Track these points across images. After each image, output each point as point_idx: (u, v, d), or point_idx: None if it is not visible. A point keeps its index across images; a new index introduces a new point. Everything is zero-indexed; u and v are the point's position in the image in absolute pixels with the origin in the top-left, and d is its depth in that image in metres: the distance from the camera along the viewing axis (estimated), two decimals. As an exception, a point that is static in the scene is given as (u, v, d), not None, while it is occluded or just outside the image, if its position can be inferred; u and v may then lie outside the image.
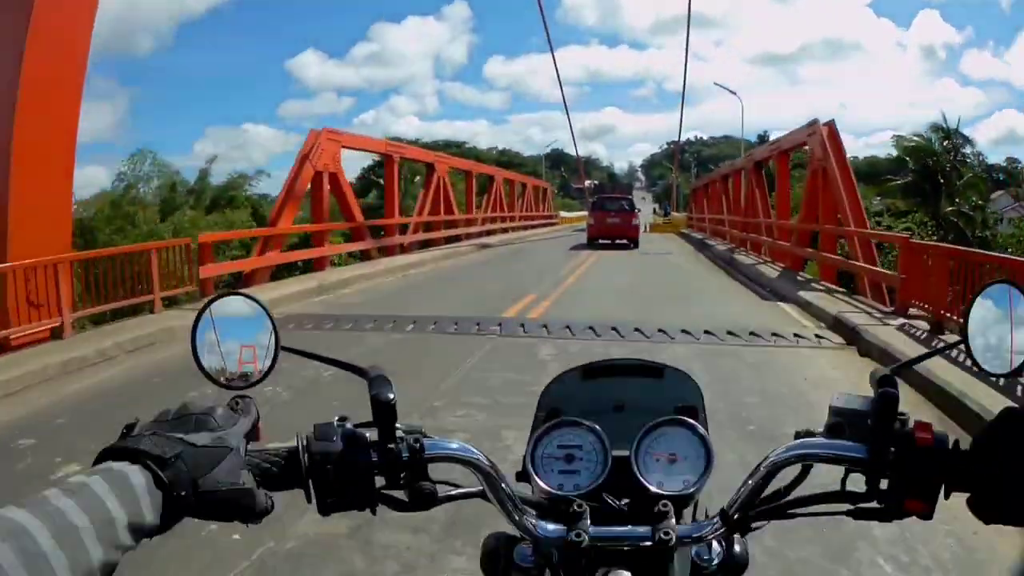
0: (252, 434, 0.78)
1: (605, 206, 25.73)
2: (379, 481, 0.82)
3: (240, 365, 0.86)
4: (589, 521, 0.87)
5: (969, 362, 0.90)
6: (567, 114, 35.45)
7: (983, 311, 0.89)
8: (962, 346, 0.89)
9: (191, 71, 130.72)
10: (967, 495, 0.78)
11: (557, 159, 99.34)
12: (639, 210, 27.43)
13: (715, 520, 0.89)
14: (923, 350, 1.88)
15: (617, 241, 24.65)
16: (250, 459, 0.77)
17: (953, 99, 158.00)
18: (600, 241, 24.63)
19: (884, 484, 0.81)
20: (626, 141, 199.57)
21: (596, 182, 62.57)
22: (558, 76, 30.90)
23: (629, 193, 30.44)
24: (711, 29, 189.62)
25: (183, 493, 0.68)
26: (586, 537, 0.84)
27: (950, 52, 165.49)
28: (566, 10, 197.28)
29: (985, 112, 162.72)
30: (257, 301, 0.88)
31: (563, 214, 47.78)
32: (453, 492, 0.89)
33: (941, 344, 1.11)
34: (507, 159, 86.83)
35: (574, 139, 52.41)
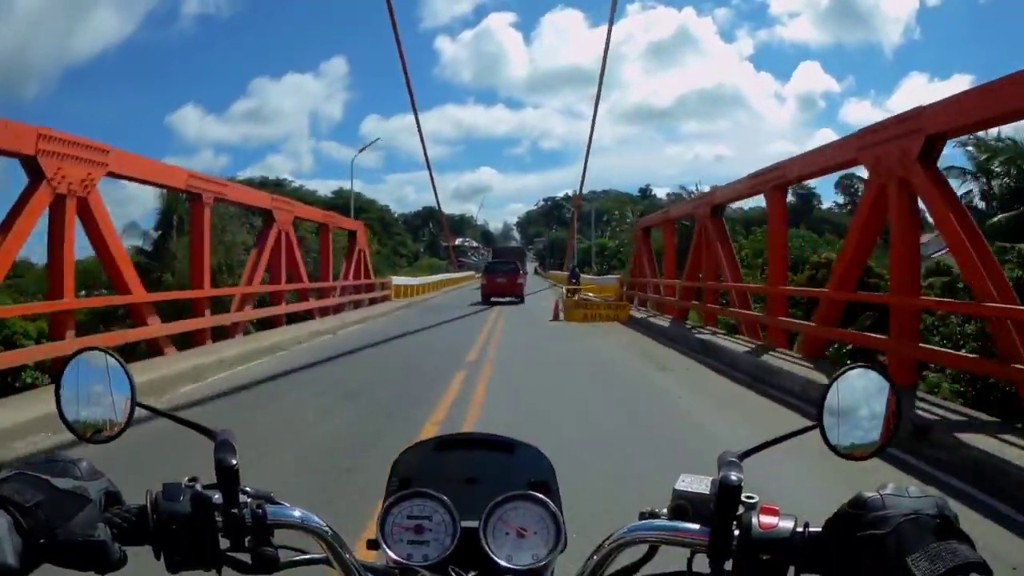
0: (113, 493, 0.81)
1: (496, 268, 30.98)
2: (225, 543, 0.83)
3: (101, 419, 0.89)
4: None
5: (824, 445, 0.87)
6: (429, 170, 34.83)
7: (840, 394, 0.90)
8: (816, 430, 0.89)
9: (73, 119, 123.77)
10: None
11: (428, 217, 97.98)
12: (526, 272, 33.04)
13: None
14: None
15: (506, 297, 28.76)
16: (108, 513, 0.79)
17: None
18: (492, 299, 28.47)
19: (729, 565, 0.81)
20: (501, 200, 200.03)
21: (489, 248, 69.39)
22: (421, 137, 29.71)
23: (522, 257, 36.62)
24: (589, 86, 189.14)
25: (41, 540, 0.72)
26: None
27: (830, 102, 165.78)
28: (443, 67, 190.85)
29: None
30: (115, 357, 0.91)
31: (396, 280, 31.15)
32: (298, 558, 0.91)
33: (795, 429, 0.91)
34: (380, 215, 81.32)
35: (436, 194, 48.77)
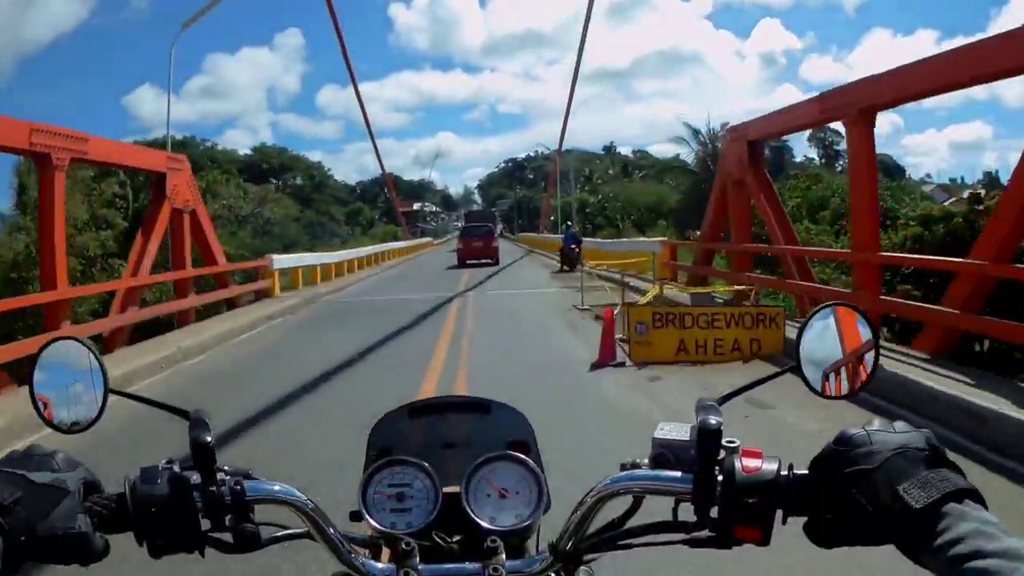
0: (92, 482, 0.81)
1: (471, 232, 31.08)
2: (206, 523, 0.83)
3: (77, 407, 0.89)
4: (419, 559, 0.89)
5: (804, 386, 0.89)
6: (370, 133, 37.90)
7: (815, 334, 0.89)
8: (794, 371, 0.89)
9: (31, 107, 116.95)
10: (804, 519, 0.77)
11: (391, 184, 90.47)
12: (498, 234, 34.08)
13: (544, 554, 0.90)
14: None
15: (481, 260, 28.81)
16: (87, 503, 0.79)
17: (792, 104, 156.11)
18: (468, 262, 28.83)
19: (714, 512, 0.80)
20: (460, 165, 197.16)
21: (465, 211, 64.83)
22: (359, 100, 32.18)
23: (493, 221, 37.25)
24: (544, 48, 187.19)
25: (22, 538, 0.71)
26: (415, 575, 0.87)
27: (791, 58, 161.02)
28: (398, 34, 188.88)
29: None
30: (86, 345, 0.90)
31: (283, 263, 18.19)
32: (279, 534, 0.91)
33: (773, 372, 0.92)
34: (311, 174, 75.49)
35: (379, 155, 46.94)
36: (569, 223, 26.24)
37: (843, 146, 54.26)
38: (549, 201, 47.43)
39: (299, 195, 58.07)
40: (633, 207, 47.63)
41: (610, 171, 59.13)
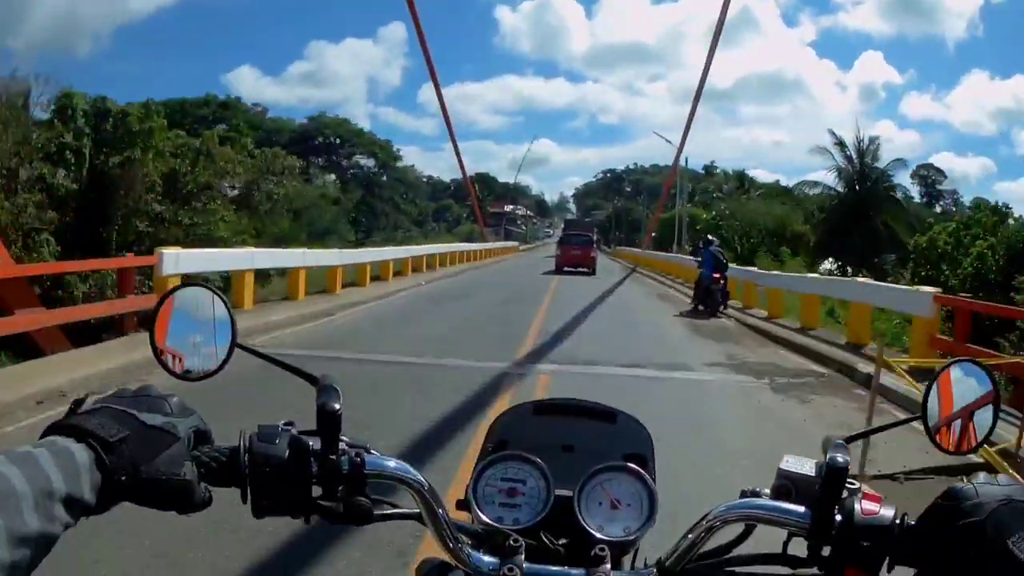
0: (203, 431, 0.79)
1: (571, 240, 32.36)
2: (316, 491, 0.81)
3: (196, 357, 0.87)
4: (524, 557, 0.87)
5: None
6: (452, 135, 36.73)
7: (943, 388, 0.91)
8: (918, 422, 0.91)
9: (127, 77, 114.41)
10: (913, 571, 0.78)
11: (482, 185, 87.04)
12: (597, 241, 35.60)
13: (651, 570, 0.90)
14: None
15: (579, 268, 29.95)
16: (195, 452, 0.77)
17: (891, 140, 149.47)
18: (565, 268, 29.83)
19: (826, 551, 0.80)
20: (558, 173, 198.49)
21: (566, 219, 63.63)
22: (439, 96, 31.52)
23: (589, 230, 36.93)
24: (647, 63, 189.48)
25: (123, 478, 0.68)
26: (519, 573, 0.85)
27: (890, 93, 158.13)
28: (503, 37, 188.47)
29: (922, 154, 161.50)
30: (218, 294, 0.89)
31: (175, 257, 9.60)
32: (390, 511, 0.90)
33: (899, 419, 0.98)
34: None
35: (459, 153, 42.56)
36: (710, 237, 17.35)
37: (946, 185, 50.47)
38: (658, 215, 41.78)
39: (360, 177, 50.71)
40: (753, 228, 41.46)
41: (724, 187, 52.34)
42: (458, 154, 40.76)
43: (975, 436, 0.90)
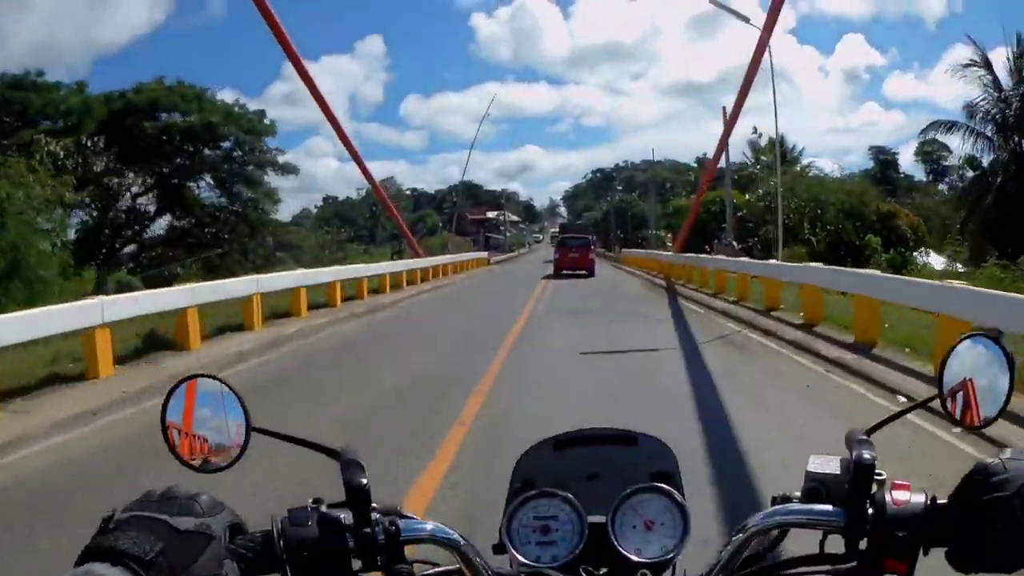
0: (236, 524, 0.78)
1: (569, 243, 31.63)
2: (356, 563, 0.82)
3: (212, 448, 0.88)
4: None
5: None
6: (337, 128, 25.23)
7: (957, 364, 0.91)
8: (937, 401, 0.91)
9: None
10: (945, 549, 0.78)
11: (468, 194, 79.12)
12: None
13: None
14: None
15: (577, 271, 29.25)
16: (231, 545, 0.76)
17: (876, 123, 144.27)
18: (564, 271, 29.22)
19: (863, 544, 0.81)
20: (545, 178, 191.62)
21: (561, 223, 59.45)
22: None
23: (585, 232, 37.22)
24: (627, 61, 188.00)
25: None
26: None
27: (874, 75, 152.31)
28: (480, 46, 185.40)
29: (908, 135, 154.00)
30: (226, 383, 0.90)
31: None
32: (430, 572, 0.93)
33: (918, 400, 0.98)
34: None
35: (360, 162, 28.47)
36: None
37: (951, 160, 39.31)
38: (699, 200, 29.40)
39: (215, 166, 32.63)
40: (826, 207, 29.47)
41: (763, 157, 38.97)
42: (355, 156, 27.20)
43: (992, 409, 0.88)
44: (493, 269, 40.52)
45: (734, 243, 25.16)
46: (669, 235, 44.12)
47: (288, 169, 35.18)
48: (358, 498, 0.81)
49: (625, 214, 69.39)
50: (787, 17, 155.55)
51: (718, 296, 17.06)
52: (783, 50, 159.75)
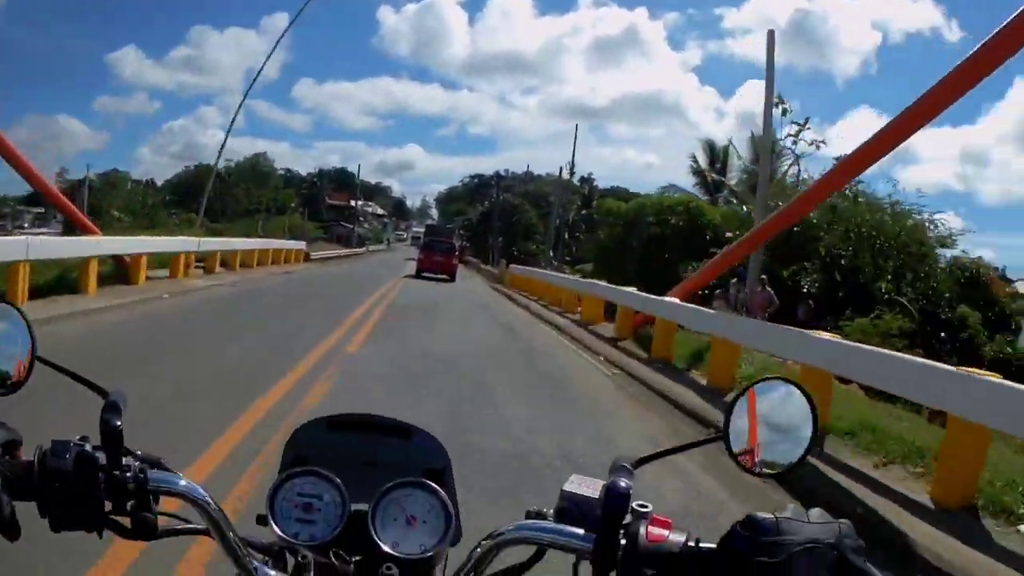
0: (12, 442, 0.80)
1: (434, 246, 31.46)
2: (109, 505, 0.82)
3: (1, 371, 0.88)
4: (313, 574, 0.87)
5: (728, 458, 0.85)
6: None
7: (748, 407, 0.85)
8: (721, 442, 0.85)
9: (13, 49, 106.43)
10: None
11: (340, 182, 78.23)
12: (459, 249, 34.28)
13: None
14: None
15: (439, 273, 29.19)
16: (0, 464, 0.78)
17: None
18: (424, 273, 29.09)
19: None
20: (422, 179, 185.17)
21: (428, 224, 59.58)
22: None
23: (451, 237, 35.69)
24: (524, 75, 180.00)
25: None
26: None
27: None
28: (381, 37, 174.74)
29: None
30: (17, 308, 0.90)
31: None
32: (179, 527, 0.91)
33: (700, 439, 0.93)
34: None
35: None
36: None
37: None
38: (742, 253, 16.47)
39: None
40: (891, 243, 18.30)
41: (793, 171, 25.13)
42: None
43: (791, 456, 0.83)
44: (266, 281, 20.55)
45: (768, 287, 13.08)
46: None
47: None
48: (110, 440, 0.80)
49: (510, 219, 57.11)
50: (692, 54, 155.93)
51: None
52: (684, 86, 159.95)
